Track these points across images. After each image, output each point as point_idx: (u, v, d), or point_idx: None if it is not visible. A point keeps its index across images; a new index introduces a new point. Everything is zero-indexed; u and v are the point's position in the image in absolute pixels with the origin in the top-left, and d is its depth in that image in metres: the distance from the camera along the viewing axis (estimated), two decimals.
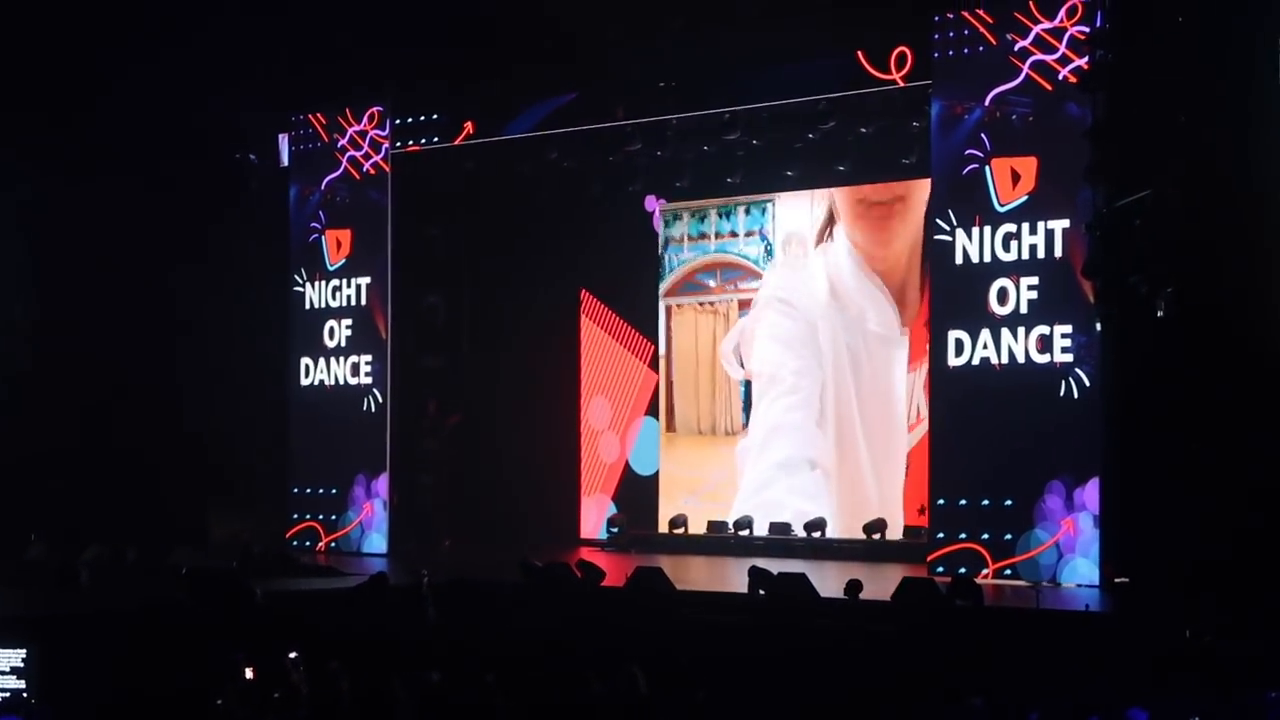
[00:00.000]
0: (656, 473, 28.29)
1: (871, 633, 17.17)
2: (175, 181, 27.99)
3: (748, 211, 27.38)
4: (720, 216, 27.71)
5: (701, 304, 28.04)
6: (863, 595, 18.37)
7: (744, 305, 27.48)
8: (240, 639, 16.20)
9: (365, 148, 27.80)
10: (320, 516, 28.20)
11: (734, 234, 27.59)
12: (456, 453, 29.24)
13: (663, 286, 28.34)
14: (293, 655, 14.94)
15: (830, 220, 26.30)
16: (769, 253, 27.14)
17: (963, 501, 21.68)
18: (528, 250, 28.95)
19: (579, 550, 26.21)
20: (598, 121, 26.19)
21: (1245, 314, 19.00)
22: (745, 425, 27.39)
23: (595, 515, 28.69)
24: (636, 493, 28.36)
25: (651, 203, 28.12)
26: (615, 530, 28.08)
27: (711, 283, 27.92)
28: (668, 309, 28.35)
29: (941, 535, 21.89)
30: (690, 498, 27.94)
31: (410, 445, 28.25)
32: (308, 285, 28.63)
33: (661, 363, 28.35)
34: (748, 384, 27.47)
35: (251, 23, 26.30)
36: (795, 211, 26.74)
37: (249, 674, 14.68)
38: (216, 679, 14.32)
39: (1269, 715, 12.43)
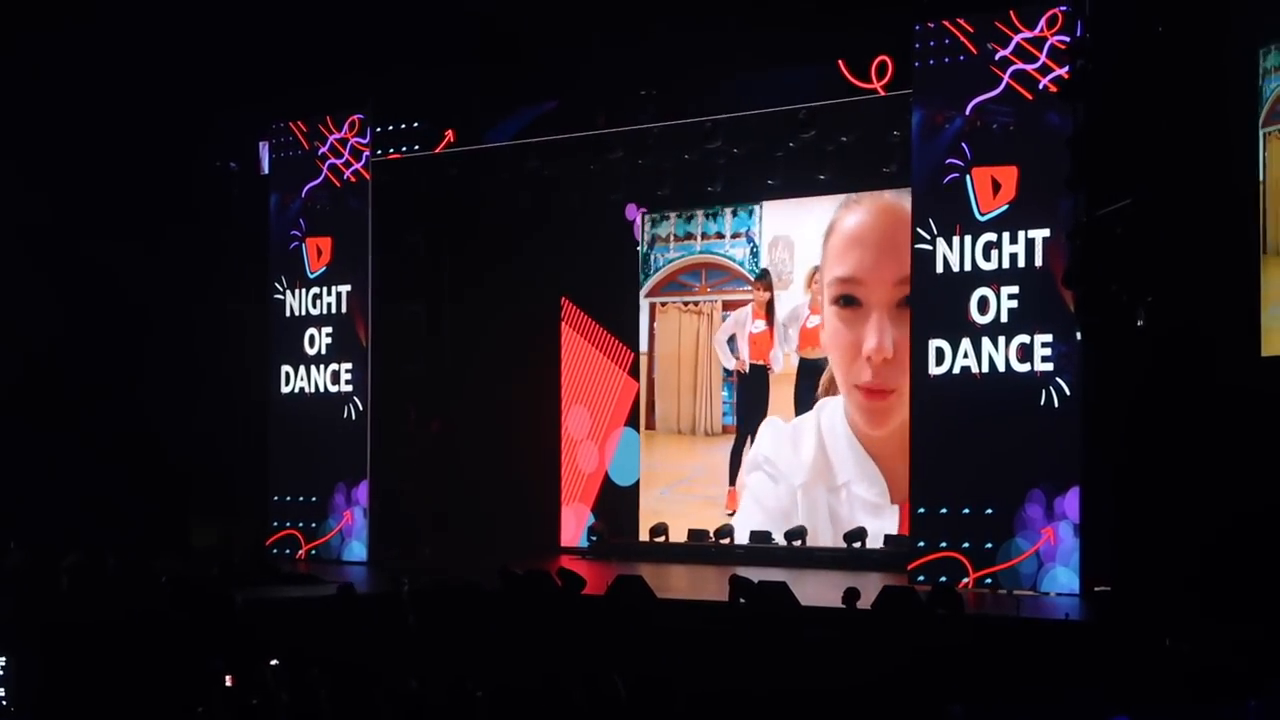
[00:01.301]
0: (636, 483, 28.33)
1: (851, 641, 17.16)
2: (155, 189, 27.99)
3: (735, 213, 27.46)
4: (707, 218, 27.78)
5: (685, 304, 28.11)
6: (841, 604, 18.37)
7: (728, 307, 27.56)
8: (220, 647, 16.18)
9: (346, 155, 27.78)
10: (300, 524, 28.17)
11: (720, 235, 27.67)
12: (437, 460, 29.24)
13: (647, 285, 28.41)
14: (274, 663, 14.93)
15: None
16: (755, 255, 27.21)
17: (943, 510, 21.69)
18: (508, 258, 28.96)
19: (559, 558, 26.23)
20: (578, 130, 26.22)
21: (1225, 323, 19.03)
22: (729, 425, 27.53)
23: (574, 525, 28.70)
24: (615, 503, 28.41)
25: (632, 211, 28.15)
26: (595, 538, 28.11)
27: (696, 284, 27.99)
28: (651, 308, 28.43)
29: (922, 544, 21.91)
30: (667, 488, 28.09)
31: (390, 453, 28.21)
32: (288, 293, 28.60)
33: (643, 360, 28.44)
34: (730, 385, 27.53)
35: (232, 29, 26.28)
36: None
37: (228, 682, 14.65)
38: (197, 687, 14.29)
39: None
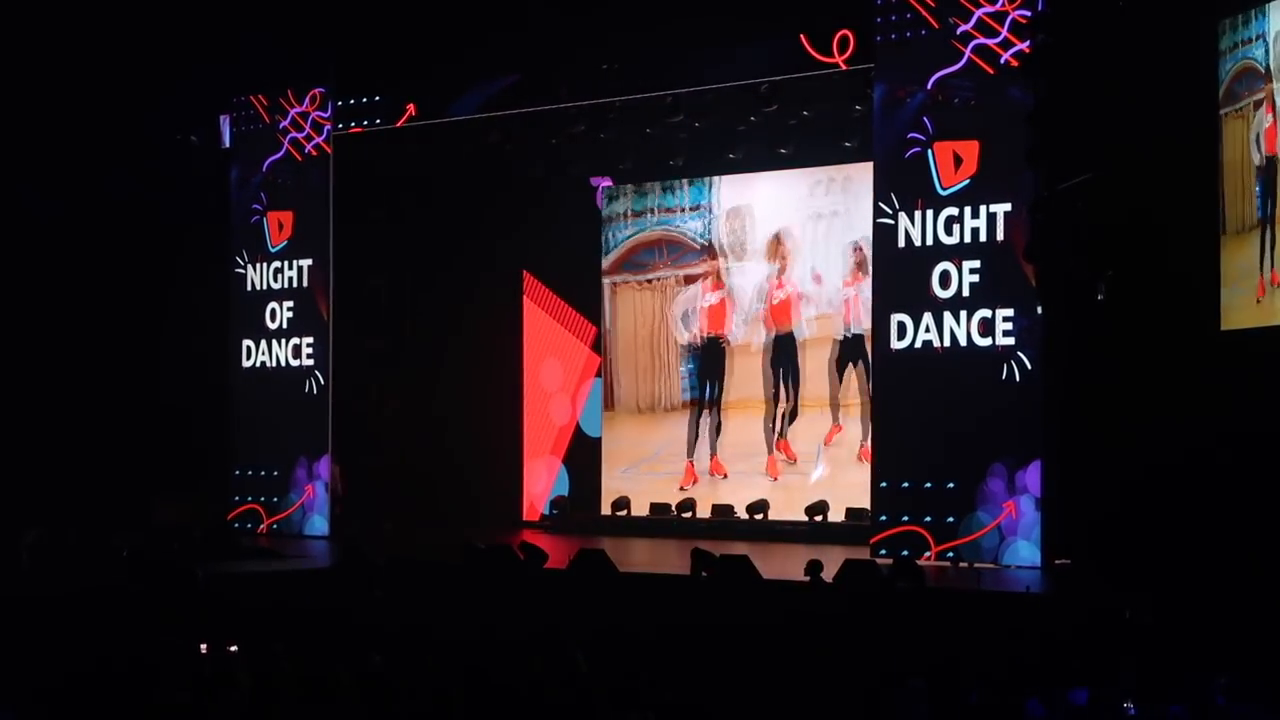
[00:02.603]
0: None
1: (814, 614, 17.20)
2: (116, 163, 27.88)
3: (691, 183, 27.53)
4: (663, 191, 27.81)
5: (643, 281, 28.13)
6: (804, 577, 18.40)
7: (687, 281, 27.64)
8: (182, 621, 16.17)
9: (307, 129, 27.72)
10: (262, 498, 28.15)
11: (678, 209, 27.74)
12: (398, 435, 29.22)
13: (604, 264, 28.45)
14: (233, 649, 14.94)
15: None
16: (711, 227, 27.31)
17: (905, 484, 21.73)
18: (470, 233, 28.95)
19: (521, 532, 26.25)
20: (540, 104, 26.14)
21: (1184, 297, 19.10)
22: (688, 401, 27.64)
23: (545, 478, 28.80)
24: (586, 454, 28.67)
25: (596, 178, 28.16)
26: (557, 511, 28.15)
27: (653, 260, 28.03)
28: (610, 287, 28.46)
29: (884, 518, 21.94)
30: (629, 467, 28.18)
31: (352, 427, 28.17)
32: (249, 267, 28.55)
33: (604, 339, 28.48)
34: (694, 357, 27.67)
35: (194, 2, 26.20)
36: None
37: (190, 656, 14.64)
38: (158, 662, 14.27)
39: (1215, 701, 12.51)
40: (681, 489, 27.48)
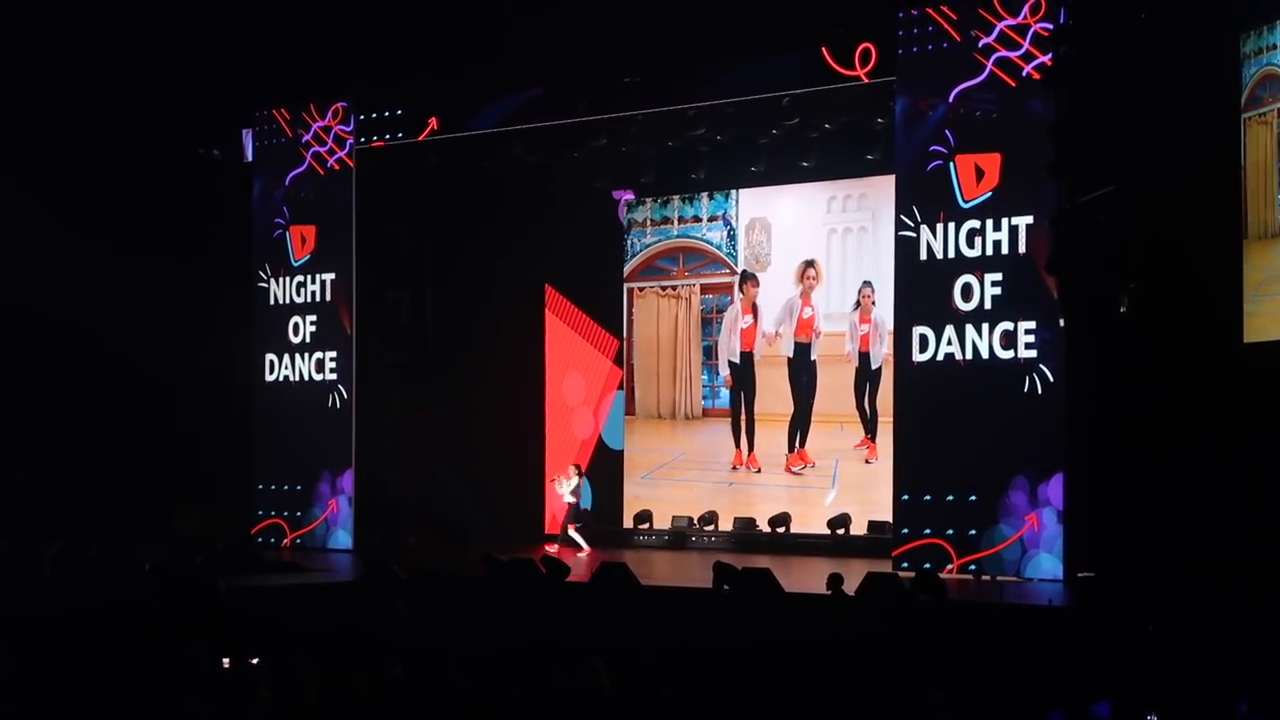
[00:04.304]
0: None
1: (835, 627, 17.18)
2: (139, 177, 27.94)
3: (711, 197, 27.59)
4: (684, 202, 27.88)
5: (663, 289, 28.20)
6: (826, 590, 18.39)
7: (706, 290, 27.68)
8: (204, 635, 16.17)
9: (329, 143, 27.74)
10: (285, 513, 28.15)
11: (697, 219, 27.78)
12: (421, 448, 29.19)
13: (625, 270, 28.55)
14: (255, 661, 14.95)
15: None
16: (732, 238, 27.36)
17: (927, 497, 21.70)
18: (492, 246, 28.96)
19: (543, 545, 26.25)
20: (562, 117, 26.14)
21: (1207, 309, 19.07)
22: (710, 409, 27.94)
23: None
24: (609, 468, 28.73)
25: (618, 191, 28.20)
26: (580, 525, 28.13)
27: (674, 268, 28.08)
28: (629, 293, 28.56)
29: (906, 530, 21.92)
30: (649, 473, 28.36)
31: (375, 441, 28.15)
32: (272, 281, 28.57)
33: (625, 348, 28.56)
34: (709, 368, 27.82)
35: (216, 17, 26.26)
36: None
37: (212, 670, 14.65)
38: (179, 675, 14.28)
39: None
40: (734, 468, 27.64)
